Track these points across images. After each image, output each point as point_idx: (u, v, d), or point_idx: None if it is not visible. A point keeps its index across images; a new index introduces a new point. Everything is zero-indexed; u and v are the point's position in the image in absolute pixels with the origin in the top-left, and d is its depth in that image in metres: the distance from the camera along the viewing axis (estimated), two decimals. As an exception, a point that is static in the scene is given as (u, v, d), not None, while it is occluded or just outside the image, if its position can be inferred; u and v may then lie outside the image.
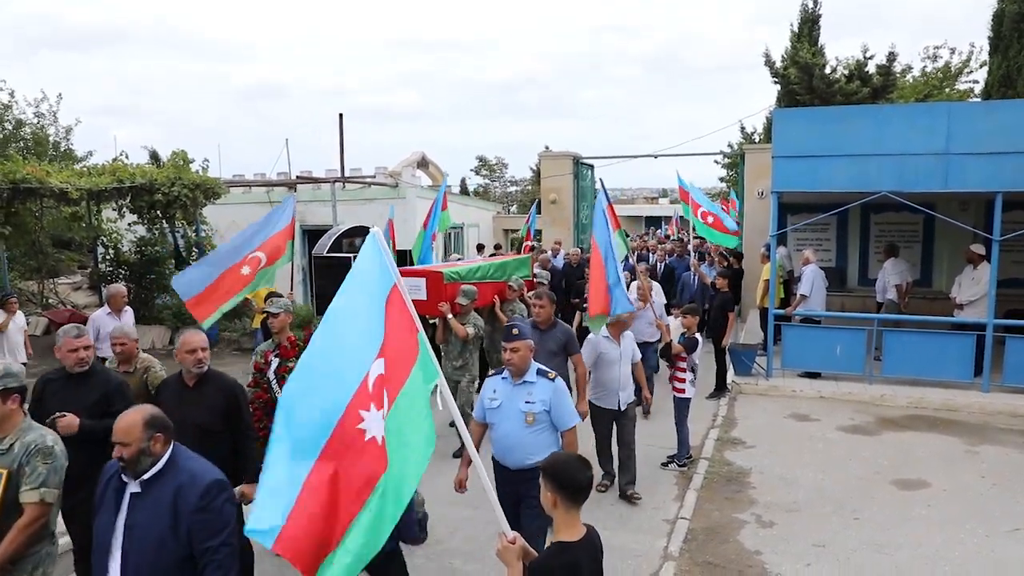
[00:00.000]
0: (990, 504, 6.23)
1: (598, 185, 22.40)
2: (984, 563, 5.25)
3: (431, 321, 7.71)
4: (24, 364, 9.11)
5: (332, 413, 2.53)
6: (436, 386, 2.87)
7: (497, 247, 17.73)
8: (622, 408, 6.35)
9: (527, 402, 4.40)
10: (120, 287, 8.75)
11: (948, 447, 7.71)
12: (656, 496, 6.54)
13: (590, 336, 6.48)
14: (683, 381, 7.27)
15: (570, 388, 5.37)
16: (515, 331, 4.44)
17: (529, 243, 15.22)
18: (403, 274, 6.06)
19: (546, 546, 2.79)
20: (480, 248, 16.88)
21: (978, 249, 9.80)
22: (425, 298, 7.33)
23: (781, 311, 10.50)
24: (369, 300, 2.79)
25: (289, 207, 8.21)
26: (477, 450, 3.59)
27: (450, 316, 7.52)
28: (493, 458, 4.48)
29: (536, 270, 9.91)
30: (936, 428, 8.36)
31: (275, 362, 5.52)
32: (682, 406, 7.29)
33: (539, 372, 4.47)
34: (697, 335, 7.51)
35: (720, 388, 9.77)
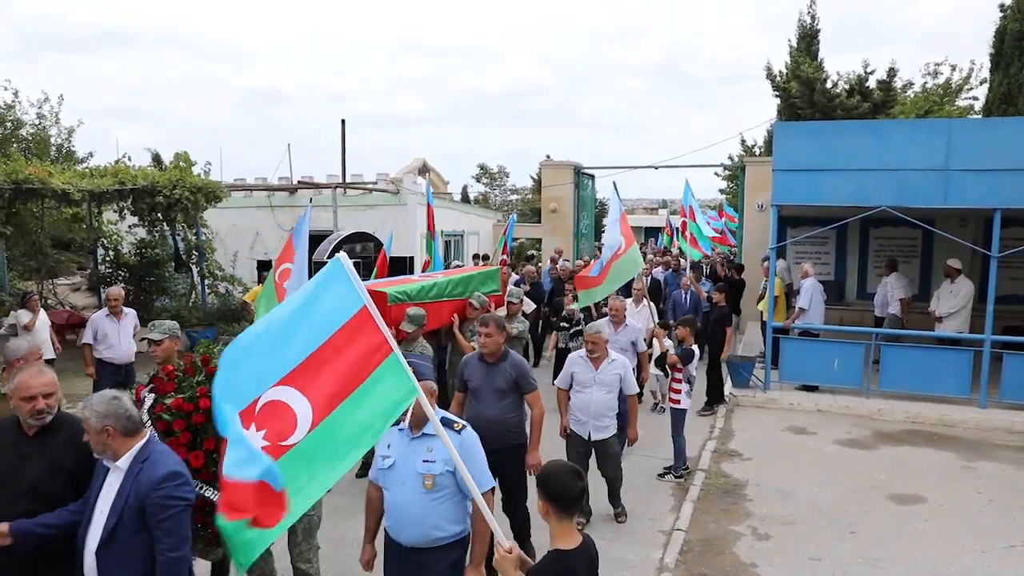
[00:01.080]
0: (986, 520, 6.23)
1: (600, 195, 22.46)
2: (980, 579, 5.25)
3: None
4: (51, 360, 9.15)
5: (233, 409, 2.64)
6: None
7: (485, 257, 17.42)
8: (592, 438, 5.84)
9: (425, 461, 3.51)
10: (117, 289, 8.68)
11: (945, 462, 7.71)
12: (652, 507, 6.54)
13: (571, 355, 6.13)
14: (679, 392, 7.28)
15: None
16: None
17: (504, 257, 14.02)
18: None
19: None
20: (476, 258, 16.76)
21: (955, 264, 10.00)
22: None
23: (779, 324, 10.51)
24: (303, 327, 2.80)
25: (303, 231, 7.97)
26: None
27: (457, 332, 7.37)
28: (386, 531, 3.67)
29: (510, 287, 9.01)
30: (933, 443, 8.37)
31: (149, 399, 4.08)
32: (678, 417, 7.28)
33: (443, 422, 3.43)
34: (694, 347, 7.52)
35: (712, 402, 9.68)
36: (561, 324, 9.52)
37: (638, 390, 6.17)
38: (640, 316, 9.24)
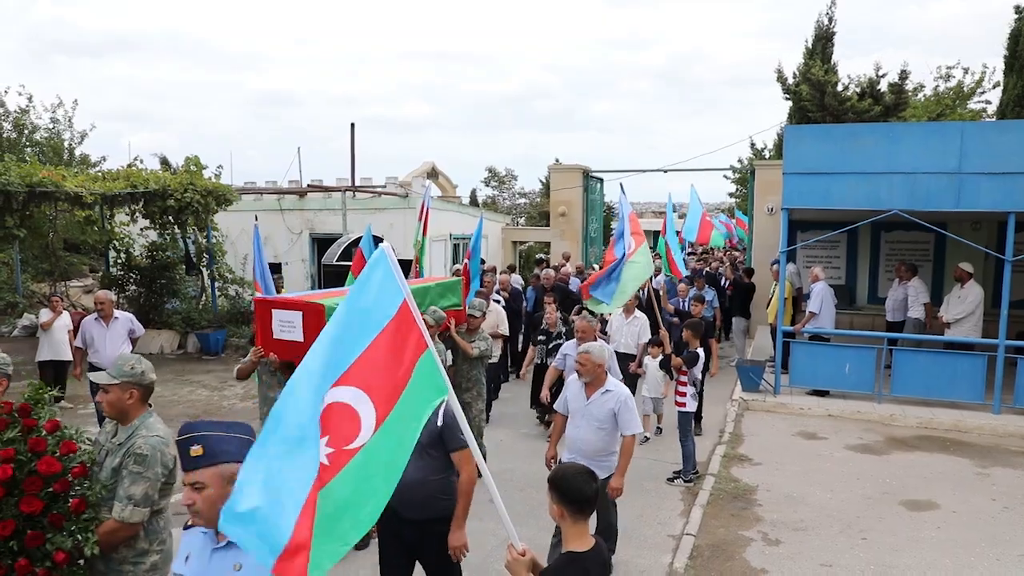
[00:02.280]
0: (1001, 527, 6.16)
1: (609, 199, 22.41)
2: (994, 587, 5.19)
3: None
4: (68, 363, 9.24)
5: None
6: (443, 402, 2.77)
7: (481, 262, 16.94)
8: None
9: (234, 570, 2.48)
10: (104, 293, 8.43)
11: (958, 468, 7.64)
12: (661, 512, 6.50)
13: (571, 376, 5.29)
14: (684, 395, 7.24)
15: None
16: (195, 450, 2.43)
17: (465, 262, 11.95)
18: (273, 305, 5.61)
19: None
20: (481, 264, 16.54)
21: (966, 267, 9.88)
22: (302, 339, 5.54)
23: (790, 328, 10.45)
24: (354, 324, 2.69)
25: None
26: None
27: (456, 335, 6.87)
28: None
29: (471, 298, 7.89)
30: (946, 449, 8.29)
31: None
32: (685, 420, 7.25)
33: None
34: (699, 350, 7.46)
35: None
36: (539, 338, 8.76)
37: (639, 430, 5.07)
38: (630, 330, 8.83)
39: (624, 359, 8.51)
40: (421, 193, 17.22)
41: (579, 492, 2.70)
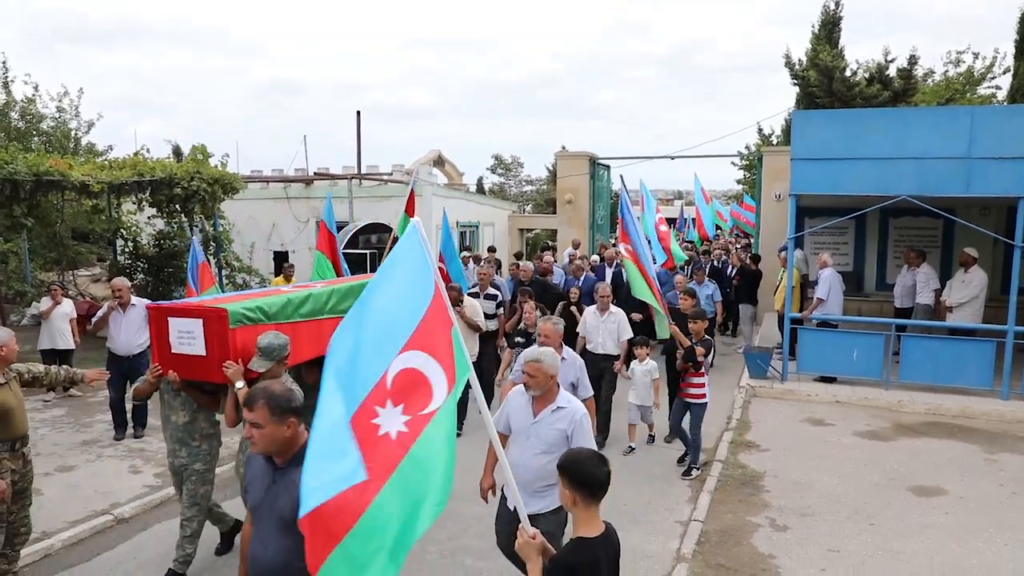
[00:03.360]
0: (1009, 513, 6.16)
1: (616, 186, 22.36)
2: (1003, 573, 5.19)
3: (208, 389, 4.90)
4: (71, 351, 9.31)
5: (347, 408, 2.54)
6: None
7: (492, 249, 15.84)
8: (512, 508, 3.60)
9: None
10: (119, 280, 8.35)
11: (966, 454, 7.63)
12: (669, 497, 6.52)
13: (514, 388, 4.38)
14: (702, 386, 7.03)
15: None
16: None
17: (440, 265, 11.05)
18: (170, 313, 4.64)
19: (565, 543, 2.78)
20: (492, 251, 15.74)
21: (972, 252, 9.85)
22: (204, 352, 4.54)
23: (797, 315, 10.42)
24: (406, 293, 2.74)
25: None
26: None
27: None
28: None
29: None
30: (954, 435, 8.27)
31: None
32: (700, 412, 7.08)
33: None
34: (708, 339, 7.12)
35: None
36: (516, 340, 7.66)
37: (590, 394, 4.95)
38: (607, 328, 7.75)
39: (604, 360, 7.72)
40: (427, 180, 17.25)
41: (591, 476, 2.70)
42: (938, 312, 10.54)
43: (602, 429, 7.66)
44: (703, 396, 7.02)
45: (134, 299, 8.12)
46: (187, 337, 4.58)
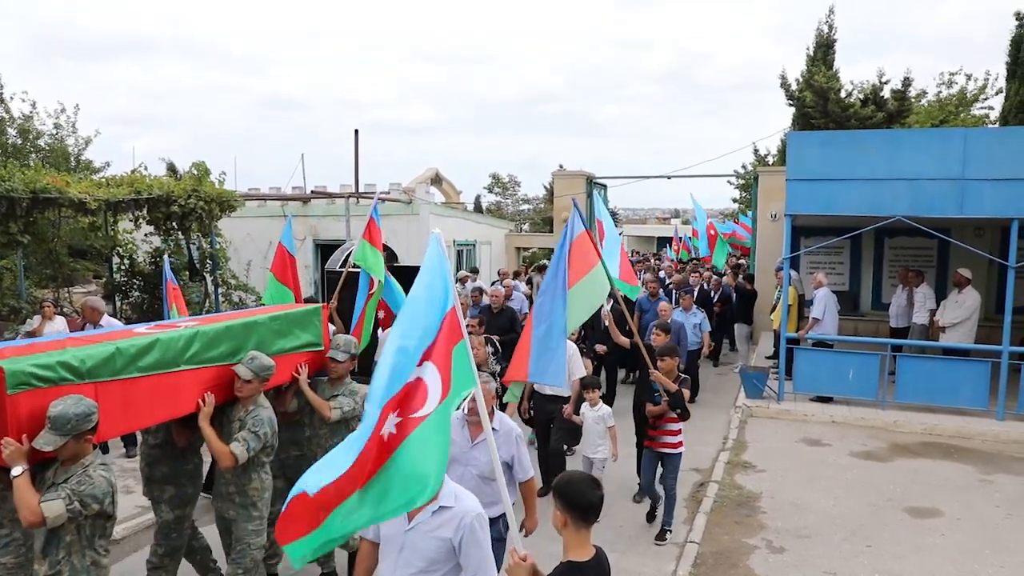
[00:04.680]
0: (1005, 534, 6.13)
1: (612, 205, 22.43)
2: (999, 595, 5.16)
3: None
4: None
5: (372, 415, 2.74)
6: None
7: (475, 271, 15.09)
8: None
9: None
10: (95, 300, 8.33)
11: (962, 475, 7.61)
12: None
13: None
14: (678, 433, 6.08)
15: None
16: None
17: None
18: None
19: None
20: (474, 272, 14.80)
21: (965, 273, 9.89)
22: None
23: (793, 334, 10.43)
24: (429, 302, 2.89)
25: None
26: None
27: (308, 388, 4.96)
28: None
29: (336, 336, 5.34)
30: (950, 456, 8.26)
31: None
32: (676, 463, 6.11)
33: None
34: (683, 376, 6.10)
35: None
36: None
37: (530, 475, 4.20)
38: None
39: (552, 402, 6.78)
40: (425, 199, 17.28)
41: (584, 498, 2.68)
42: (933, 332, 10.56)
43: (546, 480, 6.60)
44: (679, 445, 6.08)
45: (104, 319, 8.08)
46: None
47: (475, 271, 14.86)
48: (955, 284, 10.08)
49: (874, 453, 8.30)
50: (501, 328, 8.70)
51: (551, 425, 6.85)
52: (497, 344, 7.68)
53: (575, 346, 6.98)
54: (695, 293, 11.48)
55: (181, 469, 4.67)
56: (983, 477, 7.55)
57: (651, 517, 6.36)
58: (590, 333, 9.46)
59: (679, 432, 6.08)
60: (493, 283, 13.04)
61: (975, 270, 10.47)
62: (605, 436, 6.39)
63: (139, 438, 5.25)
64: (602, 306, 8.60)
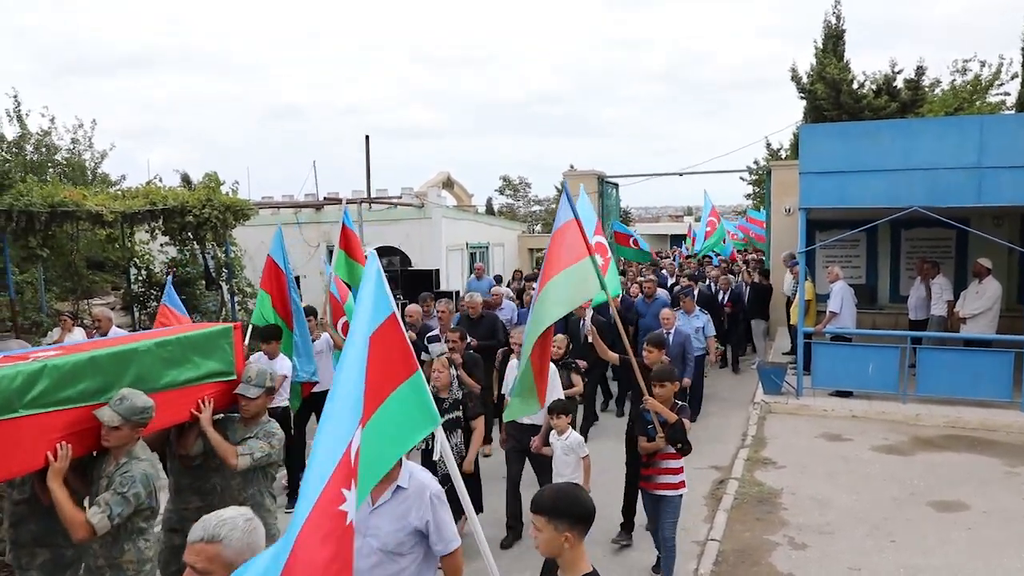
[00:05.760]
0: (1032, 527, 6.04)
1: (624, 204, 22.24)
2: (1028, 588, 5.09)
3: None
4: None
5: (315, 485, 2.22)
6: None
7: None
8: None
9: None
10: (100, 310, 8.51)
11: (987, 468, 7.50)
12: (685, 517, 6.39)
13: None
14: (679, 472, 5.13)
15: None
16: None
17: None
18: None
19: None
20: (479, 273, 14.22)
21: (985, 262, 9.77)
22: None
23: (811, 329, 10.34)
24: (357, 347, 2.61)
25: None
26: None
27: (212, 430, 3.99)
28: None
29: (249, 368, 4.29)
30: (974, 448, 8.15)
31: None
32: (675, 506, 5.16)
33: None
34: (680, 404, 5.21)
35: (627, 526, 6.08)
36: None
37: (453, 547, 3.15)
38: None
39: (531, 432, 5.92)
40: (436, 203, 17.33)
41: (587, 507, 2.50)
42: (951, 323, 10.44)
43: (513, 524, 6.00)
44: (680, 485, 5.13)
45: (115, 329, 8.19)
46: None
47: (497, 279, 14.42)
48: (975, 274, 9.95)
49: (896, 447, 8.21)
50: (481, 335, 8.21)
51: (528, 459, 6.01)
52: (471, 358, 6.94)
53: (554, 367, 5.94)
54: (695, 294, 10.53)
55: (56, 528, 3.58)
56: (1008, 470, 7.43)
57: (658, 568, 5.48)
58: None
59: (680, 471, 5.13)
60: (508, 283, 13.02)
61: (995, 260, 10.33)
62: (577, 468, 5.41)
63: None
64: (581, 319, 8.28)
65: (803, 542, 5.87)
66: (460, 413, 5.69)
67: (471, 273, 17.03)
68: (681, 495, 5.13)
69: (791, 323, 11.73)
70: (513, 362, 6.25)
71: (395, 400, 2.78)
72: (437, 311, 8.55)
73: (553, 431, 5.53)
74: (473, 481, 5.76)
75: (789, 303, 12.28)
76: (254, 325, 7.14)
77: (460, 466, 5.32)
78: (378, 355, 2.66)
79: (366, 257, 2.96)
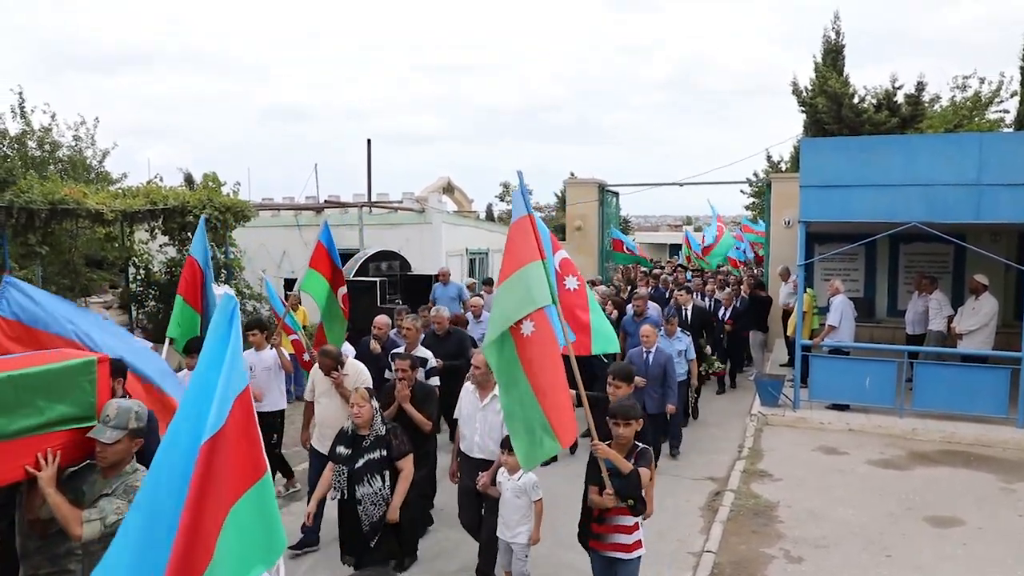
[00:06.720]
0: (1028, 544, 6.05)
1: (624, 212, 22.19)
2: (1022, 606, 5.09)
3: None
4: None
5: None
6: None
7: (489, 282, 13.82)
8: None
9: None
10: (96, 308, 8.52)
11: (983, 484, 7.51)
12: (681, 528, 6.44)
13: None
14: (634, 530, 4.23)
15: None
16: None
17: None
18: None
19: None
20: (488, 284, 13.61)
21: (981, 279, 9.80)
22: None
23: (808, 342, 10.36)
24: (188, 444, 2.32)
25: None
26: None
27: (49, 488, 3.06)
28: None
29: (108, 406, 3.32)
30: (970, 464, 8.16)
31: None
32: (632, 572, 4.29)
33: None
34: (642, 447, 4.22)
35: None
36: (337, 449, 5.15)
37: None
38: (484, 419, 5.21)
39: (485, 467, 5.13)
40: (437, 208, 17.34)
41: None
42: (950, 339, 10.46)
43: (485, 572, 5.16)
44: (636, 546, 4.24)
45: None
46: None
47: (489, 282, 14.17)
48: (971, 291, 9.98)
49: (892, 461, 8.22)
50: (448, 354, 7.57)
51: (483, 503, 5.18)
52: (423, 390, 5.91)
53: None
54: (688, 313, 10.08)
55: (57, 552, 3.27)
56: (1004, 485, 7.45)
57: None
58: None
59: (635, 528, 4.22)
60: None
61: (992, 276, 10.36)
62: (529, 512, 4.79)
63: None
64: None
65: (799, 555, 5.87)
66: (384, 452, 4.88)
67: (470, 276, 17.05)
68: (638, 558, 4.24)
69: (787, 335, 11.73)
70: (468, 386, 5.42)
71: (238, 514, 2.33)
72: (403, 328, 7.13)
73: (503, 469, 4.86)
74: (405, 527, 5.12)
75: (786, 315, 12.31)
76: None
77: (384, 514, 4.83)
78: (223, 457, 2.27)
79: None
